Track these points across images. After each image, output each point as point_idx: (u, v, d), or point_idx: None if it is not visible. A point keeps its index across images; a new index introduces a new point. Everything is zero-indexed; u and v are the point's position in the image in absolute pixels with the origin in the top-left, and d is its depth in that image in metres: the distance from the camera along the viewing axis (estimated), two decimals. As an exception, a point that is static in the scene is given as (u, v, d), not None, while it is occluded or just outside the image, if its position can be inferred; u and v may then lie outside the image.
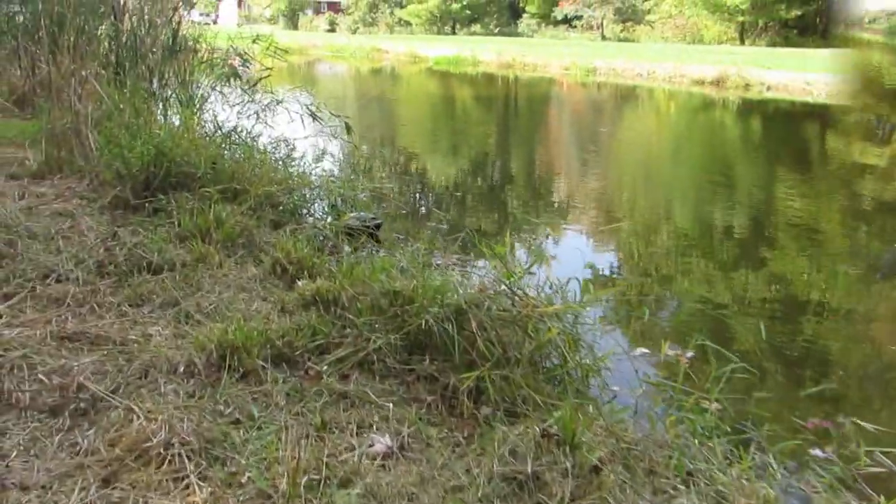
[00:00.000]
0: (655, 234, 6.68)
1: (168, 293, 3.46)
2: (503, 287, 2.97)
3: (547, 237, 6.56)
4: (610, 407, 2.88)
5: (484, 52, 28.62)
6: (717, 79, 19.54)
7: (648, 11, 40.45)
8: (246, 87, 6.38)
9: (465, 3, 47.14)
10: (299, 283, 3.63)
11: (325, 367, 2.86)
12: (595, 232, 6.67)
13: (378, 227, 5.64)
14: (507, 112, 17.12)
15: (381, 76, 26.00)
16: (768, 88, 18.49)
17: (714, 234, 6.82)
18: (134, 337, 2.97)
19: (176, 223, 4.39)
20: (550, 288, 3.39)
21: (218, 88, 5.93)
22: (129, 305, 3.33)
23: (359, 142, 9.19)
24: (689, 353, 3.88)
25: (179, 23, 7.38)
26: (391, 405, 2.68)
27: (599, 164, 10.37)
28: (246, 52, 6.09)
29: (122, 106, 6.04)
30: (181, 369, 2.72)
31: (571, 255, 5.90)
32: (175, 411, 2.38)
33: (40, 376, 2.53)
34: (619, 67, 23.34)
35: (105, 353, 2.82)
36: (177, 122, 5.96)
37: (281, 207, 5.03)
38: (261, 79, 6.06)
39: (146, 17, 7.05)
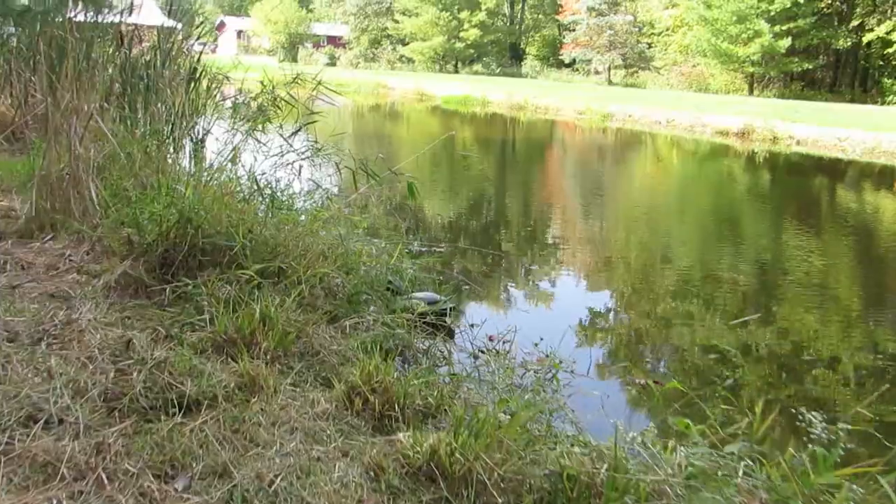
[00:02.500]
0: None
1: (211, 452, 2.34)
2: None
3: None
4: None
5: (494, 92, 27.89)
6: (743, 130, 18.77)
7: (652, 58, 40.17)
8: (281, 131, 5.32)
9: (469, 42, 46.78)
10: (401, 436, 2.52)
11: None
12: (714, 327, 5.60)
13: (447, 311, 4.57)
14: (543, 162, 16.13)
15: (392, 116, 25.07)
16: (798, 143, 17.71)
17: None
18: (170, 557, 1.84)
19: (208, 320, 3.29)
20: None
21: (252, 135, 4.87)
22: (155, 475, 2.21)
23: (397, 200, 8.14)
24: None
25: (201, 53, 6.34)
26: None
27: (658, 230, 9.35)
28: (289, 93, 5.04)
29: (131, 150, 4.98)
30: None
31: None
32: None
33: None
34: (636, 114, 22.57)
35: None
36: (196, 172, 4.89)
37: (337, 294, 3.93)
38: (305, 125, 5.02)
39: (162, 44, 6.01)
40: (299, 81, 5.44)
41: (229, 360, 3.01)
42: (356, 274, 4.10)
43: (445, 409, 3.04)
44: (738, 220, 10.23)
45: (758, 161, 16.43)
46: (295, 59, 53.17)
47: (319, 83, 5.07)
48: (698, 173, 14.99)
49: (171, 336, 3.14)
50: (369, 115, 24.36)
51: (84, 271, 3.96)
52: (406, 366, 3.77)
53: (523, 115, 24.77)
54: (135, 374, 2.68)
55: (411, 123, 23.66)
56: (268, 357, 3.07)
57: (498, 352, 4.13)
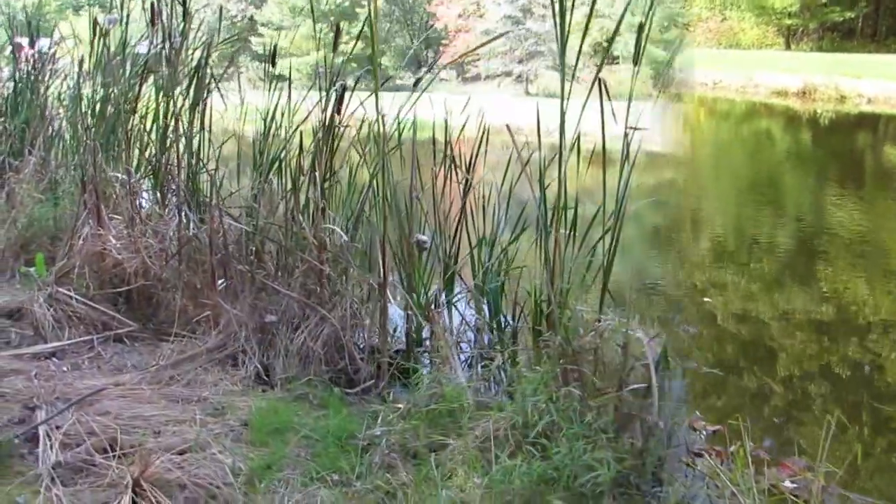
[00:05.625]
0: None
1: None
2: None
3: None
4: None
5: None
6: (803, 89, 17.41)
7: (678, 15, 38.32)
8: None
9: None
10: None
11: None
12: None
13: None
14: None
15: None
16: (868, 101, 16.34)
17: None
18: None
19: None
20: None
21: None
22: None
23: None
24: None
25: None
26: None
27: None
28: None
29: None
30: None
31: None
32: None
33: None
34: (675, 76, 21.15)
35: None
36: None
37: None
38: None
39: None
40: None
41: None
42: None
43: None
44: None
45: (823, 123, 15.09)
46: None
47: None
48: (823, 146, 13.15)
49: None
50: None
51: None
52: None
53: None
54: None
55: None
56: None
57: (734, 457, 2.91)
